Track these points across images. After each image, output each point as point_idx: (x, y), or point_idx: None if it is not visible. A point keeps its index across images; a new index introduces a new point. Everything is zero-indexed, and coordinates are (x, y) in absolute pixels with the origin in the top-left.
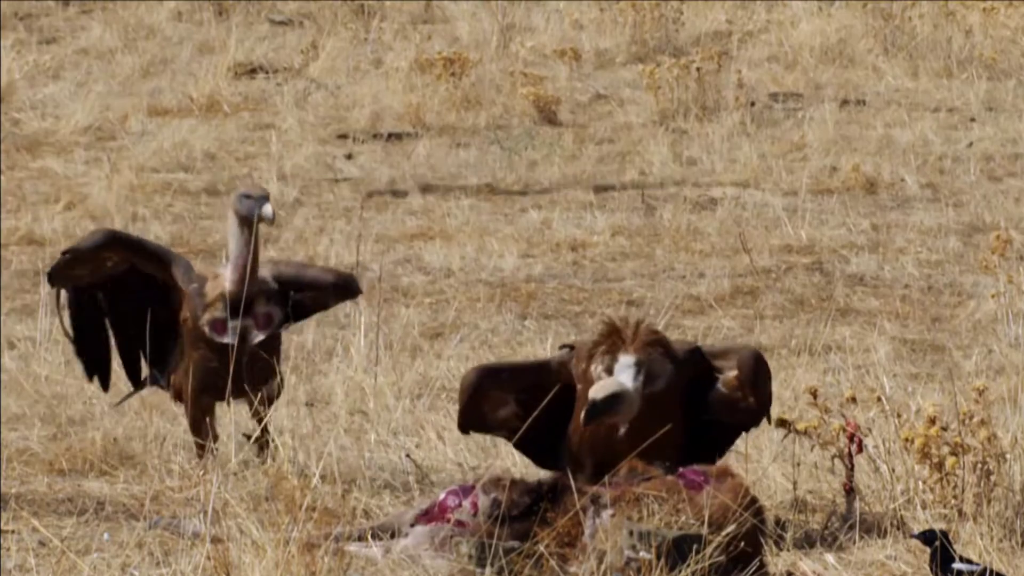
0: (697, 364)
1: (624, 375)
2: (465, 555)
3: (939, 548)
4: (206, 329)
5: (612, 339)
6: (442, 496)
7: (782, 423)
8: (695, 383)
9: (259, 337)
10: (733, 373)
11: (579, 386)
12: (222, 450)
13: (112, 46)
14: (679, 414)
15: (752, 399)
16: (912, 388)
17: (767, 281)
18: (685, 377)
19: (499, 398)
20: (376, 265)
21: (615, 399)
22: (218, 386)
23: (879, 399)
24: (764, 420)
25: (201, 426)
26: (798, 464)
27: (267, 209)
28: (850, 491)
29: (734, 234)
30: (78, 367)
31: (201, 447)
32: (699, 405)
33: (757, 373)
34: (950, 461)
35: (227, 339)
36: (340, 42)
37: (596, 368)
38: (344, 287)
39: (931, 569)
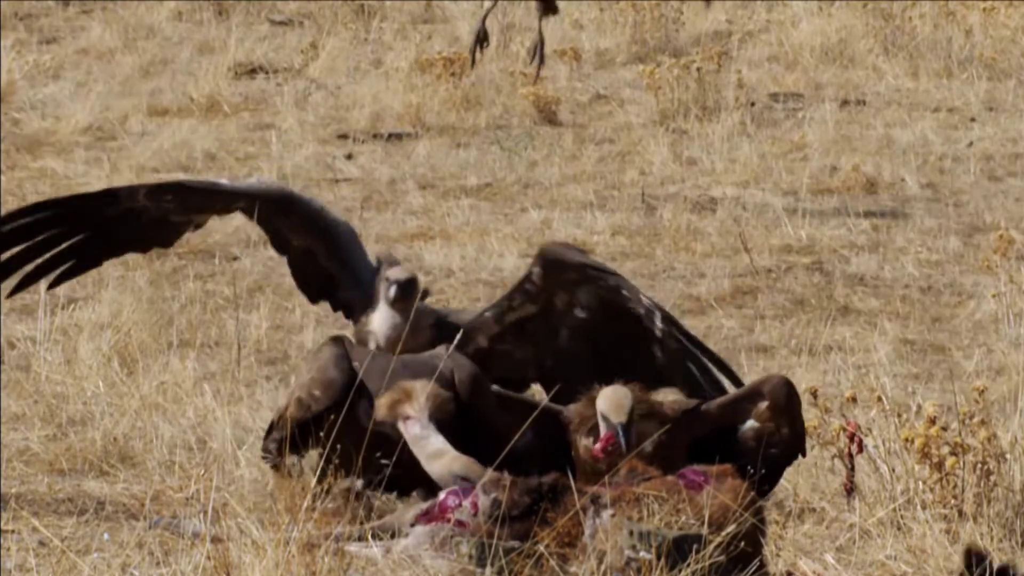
0: (704, 420)
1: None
2: (465, 555)
3: None
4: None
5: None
6: (442, 496)
7: None
8: (712, 437)
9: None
10: (764, 405)
11: (573, 453)
12: (220, 450)
13: (112, 46)
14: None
15: (786, 429)
16: (912, 388)
17: (767, 281)
18: (686, 434)
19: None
20: None
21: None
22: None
23: (879, 399)
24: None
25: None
26: (798, 464)
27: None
28: (850, 491)
29: (734, 234)
30: (78, 367)
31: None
32: (724, 459)
33: (791, 396)
34: (950, 461)
35: (372, 345)
36: (340, 42)
37: (583, 441)
38: None
39: None
